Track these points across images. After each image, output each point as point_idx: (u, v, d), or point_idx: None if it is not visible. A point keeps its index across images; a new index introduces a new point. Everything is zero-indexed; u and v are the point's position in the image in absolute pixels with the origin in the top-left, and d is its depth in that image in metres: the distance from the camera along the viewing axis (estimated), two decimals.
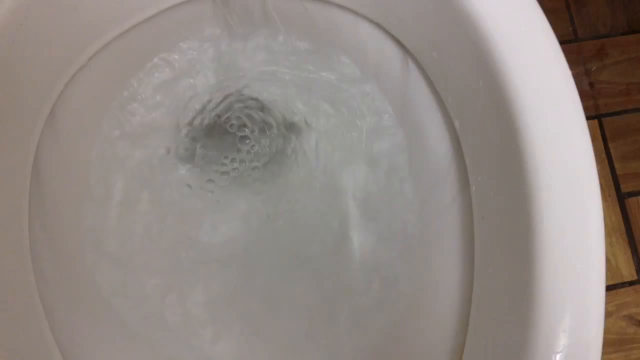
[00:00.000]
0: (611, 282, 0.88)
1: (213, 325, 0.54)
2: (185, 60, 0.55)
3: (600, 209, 0.38)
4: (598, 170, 0.90)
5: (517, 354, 0.37)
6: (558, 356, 0.36)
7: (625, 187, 0.91)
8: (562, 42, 0.94)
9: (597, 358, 0.37)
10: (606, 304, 0.84)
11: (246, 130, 0.60)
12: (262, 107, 0.59)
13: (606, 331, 0.86)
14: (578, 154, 0.39)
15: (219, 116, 0.61)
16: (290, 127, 0.59)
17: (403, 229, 0.53)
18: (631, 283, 0.88)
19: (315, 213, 0.57)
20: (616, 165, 0.92)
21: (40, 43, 0.41)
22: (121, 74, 0.50)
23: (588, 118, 0.93)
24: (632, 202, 0.90)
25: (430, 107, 0.49)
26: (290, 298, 0.55)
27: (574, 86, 0.41)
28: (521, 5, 0.41)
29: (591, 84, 0.94)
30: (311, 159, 0.58)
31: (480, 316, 0.43)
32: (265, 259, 0.57)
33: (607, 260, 0.88)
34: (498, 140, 0.42)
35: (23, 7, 0.39)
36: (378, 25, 0.48)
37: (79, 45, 0.44)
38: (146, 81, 0.53)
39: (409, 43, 0.47)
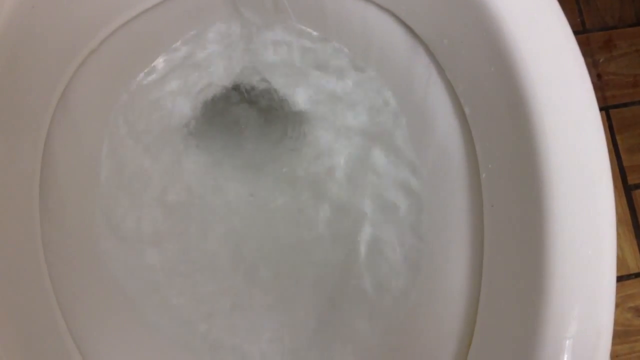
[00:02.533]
0: (617, 274, 0.87)
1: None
2: (195, 48, 0.54)
3: (612, 197, 0.38)
4: None
5: (528, 339, 0.37)
6: (568, 342, 0.36)
7: (632, 179, 0.91)
8: None
9: (607, 344, 0.37)
10: None
11: (252, 118, 0.60)
12: (270, 95, 0.59)
13: None
14: (590, 143, 0.39)
15: (228, 103, 0.61)
16: (294, 115, 0.59)
17: (410, 217, 0.53)
18: (637, 275, 0.88)
19: (317, 204, 0.57)
20: (623, 157, 0.91)
21: (52, 26, 0.41)
22: (132, 59, 0.50)
23: None
24: (638, 194, 0.90)
25: (439, 94, 0.49)
26: (297, 295, 0.56)
27: (587, 73, 0.41)
28: None
29: (599, 76, 0.94)
30: (313, 146, 0.58)
31: (490, 302, 0.43)
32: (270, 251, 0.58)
33: None
34: (509, 128, 0.42)
35: None
36: (388, 11, 0.48)
37: (91, 29, 0.44)
38: (156, 66, 0.53)
39: (419, 30, 0.47)
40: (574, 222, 0.37)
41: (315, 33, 0.53)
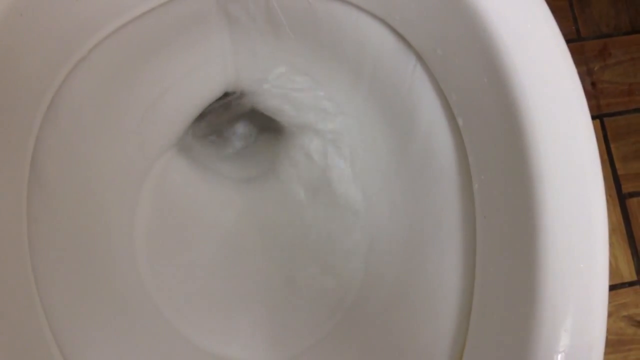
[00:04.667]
0: (611, 283, 0.88)
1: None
2: (187, 56, 0.54)
3: (605, 210, 0.38)
4: None
5: (518, 353, 0.37)
6: (560, 356, 0.36)
7: (626, 188, 0.91)
8: (565, 41, 0.95)
9: (599, 357, 0.37)
10: None
11: (242, 130, 0.60)
12: (259, 107, 0.59)
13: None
14: (584, 154, 0.39)
15: (218, 114, 0.61)
16: (282, 129, 0.59)
17: (402, 227, 0.53)
18: (631, 284, 0.88)
19: (308, 213, 0.57)
20: (617, 166, 0.91)
21: (41, 33, 0.41)
22: (122, 67, 0.49)
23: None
24: (632, 202, 0.90)
25: (432, 105, 0.48)
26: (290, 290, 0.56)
27: (580, 85, 0.40)
28: (528, 3, 0.41)
29: (593, 84, 0.94)
30: (302, 161, 0.58)
31: (481, 314, 0.43)
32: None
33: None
34: (502, 139, 0.42)
35: None
36: (382, 20, 0.47)
37: (80, 36, 0.43)
38: (146, 75, 0.52)
39: (412, 40, 0.47)
40: (567, 235, 0.37)
41: (308, 42, 0.53)
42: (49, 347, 0.44)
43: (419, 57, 0.48)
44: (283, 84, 0.56)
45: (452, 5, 0.42)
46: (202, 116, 0.59)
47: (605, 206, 0.38)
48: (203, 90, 0.56)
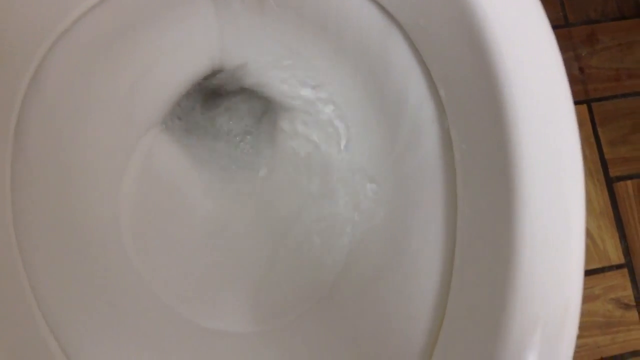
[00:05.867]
0: (599, 266, 0.88)
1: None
2: (172, 32, 0.54)
3: (582, 176, 0.38)
4: (587, 154, 0.92)
5: (498, 315, 0.37)
6: (537, 317, 0.36)
7: (613, 172, 0.91)
8: (553, 27, 0.95)
9: (575, 319, 0.37)
10: (593, 287, 0.86)
11: (228, 109, 0.60)
12: (245, 84, 0.59)
13: (593, 314, 0.87)
14: (562, 123, 0.39)
15: (205, 93, 0.61)
16: (270, 109, 0.59)
17: (386, 203, 0.54)
18: (618, 267, 0.89)
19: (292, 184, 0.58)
20: (605, 150, 0.92)
21: (23, 4, 0.41)
22: (107, 41, 0.49)
23: (577, 103, 0.94)
24: (620, 186, 0.91)
25: (416, 77, 0.49)
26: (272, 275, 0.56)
27: (560, 58, 0.41)
28: None
29: (581, 69, 0.95)
30: (289, 134, 0.58)
31: (459, 289, 0.43)
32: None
33: (595, 244, 0.89)
34: (482, 108, 0.42)
35: None
36: None
37: (63, 7, 0.44)
38: (132, 51, 0.53)
39: (395, 11, 0.47)
40: (543, 201, 0.38)
41: (293, 16, 0.53)
42: (37, 323, 0.44)
43: (402, 29, 0.48)
44: (269, 59, 0.57)
45: None
46: (188, 95, 0.59)
47: (583, 181, 0.39)
48: (189, 66, 0.57)
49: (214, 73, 0.59)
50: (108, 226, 0.54)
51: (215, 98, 0.61)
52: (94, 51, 0.49)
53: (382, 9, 0.48)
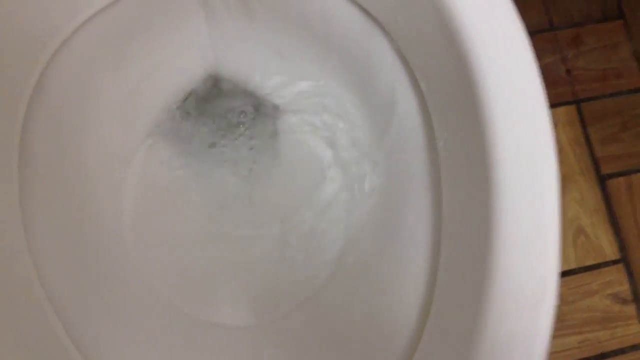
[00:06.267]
0: (594, 262, 0.89)
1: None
2: (167, 40, 0.57)
3: (554, 160, 0.40)
4: (578, 154, 0.94)
5: (478, 299, 0.39)
6: (515, 294, 0.38)
7: (604, 169, 0.93)
8: (539, 31, 0.98)
9: (552, 296, 0.38)
10: (591, 283, 0.87)
11: (223, 111, 0.63)
12: (238, 88, 0.62)
13: (592, 309, 0.88)
14: (534, 110, 0.41)
15: (201, 97, 0.64)
16: (260, 106, 0.62)
17: (377, 195, 0.55)
18: (614, 262, 0.90)
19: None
20: (595, 148, 0.94)
21: (26, 14, 0.43)
22: (105, 50, 0.52)
23: (566, 103, 0.96)
24: (612, 183, 0.93)
25: (398, 71, 0.51)
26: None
27: (530, 48, 0.43)
28: None
29: (568, 71, 0.97)
30: (283, 134, 0.61)
31: (445, 281, 0.45)
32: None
33: (590, 240, 0.90)
34: (460, 99, 0.44)
35: None
36: None
37: (63, 17, 0.46)
38: (128, 58, 0.55)
39: (374, 11, 0.50)
40: (518, 184, 0.39)
41: (280, 21, 0.56)
42: (49, 320, 0.45)
43: (383, 28, 0.51)
44: (260, 63, 0.59)
45: None
46: (185, 100, 0.62)
47: (557, 173, 0.40)
48: (184, 72, 0.59)
49: (208, 78, 0.62)
50: (112, 228, 0.56)
51: (210, 102, 0.63)
52: (95, 59, 0.52)
53: (364, 10, 0.51)
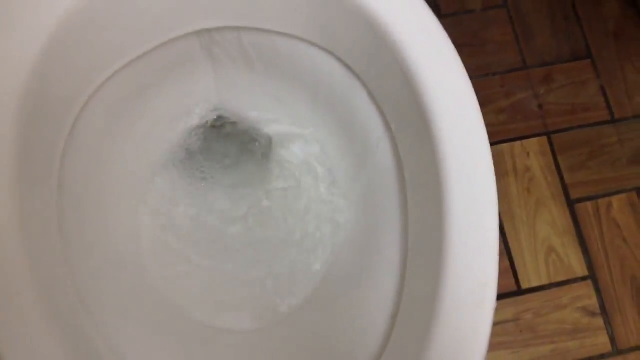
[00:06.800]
0: (565, 278, 0.98)
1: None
2: (179, 88, 0.68)
3: (493, 183, 0.49)
4: (550, 180, 1.04)
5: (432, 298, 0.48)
6: (463, 294, 0.47)
7: (574, 194, 1.03)
8: (513, 69, 1.09)
9: (493, 294, 0.47)
10: (562, 297, 0.96)
11: (229, 145, 0.74)
12: (241, 127, 0.73)
13: (562, 322, 0.96)
14: (475, 140, 0.51)
15: (209, 134, 0.75)
16: (259, 142, 0.73)
17: (358, 216, 0.66)
18: (583, 278, 0.99)
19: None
20: (565, 176, 1.04)
21: (59, 74, 0.52)
22: (125, 100, 0.62)
23: (539, 135, 1.06)
24: (580, 207, 1.02)
25: (374, 115, 0.61)
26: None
27: (473, 95, 0.53)
28: (434, 37, 0.53)
29: (540, 106, 1.07)
30: (279, 165, 0.72)
31: (412, 277, 0.55)
32: None
33: (561, 259, 0.99)
34: (419, 137, 0.54)
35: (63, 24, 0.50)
36: (329, 52, 0.61)
37: (94, 71, 0.56)
38: (146, 106, 0.66)
39: (352, 64, 0.60)
40: (466, 209, 0.49)
41: (275, 75, 0.67)
42: (84, 326, 0.54)
43: (360, 79, 0.61)
44: (260, 106, 0.70)
45: (375, 39, 0.55)
46: (193, 137, 0.73)
47: (493, 179, 0.50)
48: (193, 115, 0.70)
49: (214, 119, 0.73)
50: (130, 246, 0.66)
51: (216, 139, 0.74)
52: (117, 108, 0.62)
53: (345, 64, 0.61)
